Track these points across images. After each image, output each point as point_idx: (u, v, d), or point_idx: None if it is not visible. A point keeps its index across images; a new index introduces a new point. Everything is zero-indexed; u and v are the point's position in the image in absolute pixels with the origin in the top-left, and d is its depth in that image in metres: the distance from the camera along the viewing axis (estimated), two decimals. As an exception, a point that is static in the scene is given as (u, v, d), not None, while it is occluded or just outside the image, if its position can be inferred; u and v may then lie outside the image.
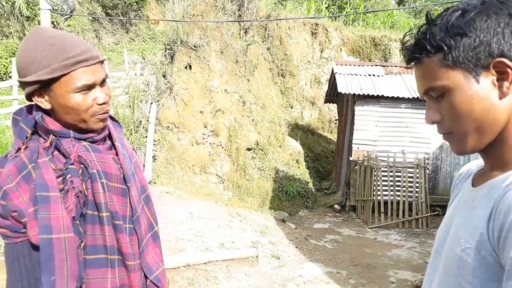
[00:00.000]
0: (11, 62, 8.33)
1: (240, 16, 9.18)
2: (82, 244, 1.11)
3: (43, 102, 1.10)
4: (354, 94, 8.54)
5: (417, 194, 8.05)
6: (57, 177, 1.08)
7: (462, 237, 0.81)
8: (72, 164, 1.11)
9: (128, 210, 1.22)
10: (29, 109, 1.16)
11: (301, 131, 11.96)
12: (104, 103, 1.14)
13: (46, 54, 1.05)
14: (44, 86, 1.08)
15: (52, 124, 1.12)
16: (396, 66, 9.75)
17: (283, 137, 9.18)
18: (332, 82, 10.30)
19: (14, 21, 11.75)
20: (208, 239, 5.55)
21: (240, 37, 9.19)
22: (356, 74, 9.11)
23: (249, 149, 7.92)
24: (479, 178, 0.89)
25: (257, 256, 5.38)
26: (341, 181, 9.52)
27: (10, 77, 8.70)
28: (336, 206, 8.82)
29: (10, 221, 1.04)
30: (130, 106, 7.42)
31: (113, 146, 1.26)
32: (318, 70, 14.12)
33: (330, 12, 18.69)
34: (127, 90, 7.63)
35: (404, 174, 8.21)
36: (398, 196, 8.11)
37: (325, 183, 10.67)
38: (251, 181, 7.54)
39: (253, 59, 9.47)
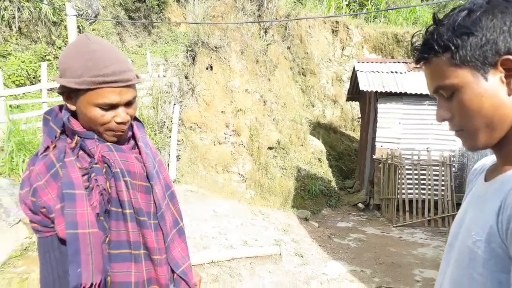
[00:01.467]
0: (40, 67, 8.64)
1: (259, 16, 9.22)
2: (107, 239, 1.15)
3: (70, 103, 1.17)
4: (376, 91, 8.44)
5: (442, 192, 7.89)
6: (83, 176, 1.13)
7: (473, 230, 0.83)
8: (96, 163, 1.15)
9: (152, 207, 1.26)
10: (60, 109, 1.23)
11: (323, 130, 11.90)
12: (122, 123, 1.17)
13: (81, 65, 1.11)
14: (72, 91, 1.14)
15: (77, 126, 1.18)
16: (419, 62, 9.56)
17: (304, 136, 9.16)
18: (354, 79, 10.21)
19: (41, 27, 12.15)
20: (231, 237, 5.61)
21: (260, 37, 9.23)
22: (378, 71, 9.00)
23: (270, 148, 7.94)
24: (491, 173, 0.91)
25: (280, 254, 5.40)
26: (364, 179, 9.42)
27: (39, 80, 9.03)
28: (360, 205, 8.74)
29: (40, 217, 1.10)
30: (154, 107, 7.57)
31: (136, 145, 1.30)
32: (339, 68, 14.01)
33: (350, 10, 18.50)
34: (151, 91, 7.79)
35: (429, 172, 8.06)
36: (423, 194, 7.97)
37: (349, 181, 10.58)
38: (273, 179, 7.56)
39: (273, 59, 9.49)
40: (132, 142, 1.30)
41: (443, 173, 8.00)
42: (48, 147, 1.16)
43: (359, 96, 10.71)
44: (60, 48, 12.18)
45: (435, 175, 8.05)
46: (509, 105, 0.80)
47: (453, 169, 8.15)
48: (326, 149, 10.25)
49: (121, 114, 1.16)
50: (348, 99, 11.72)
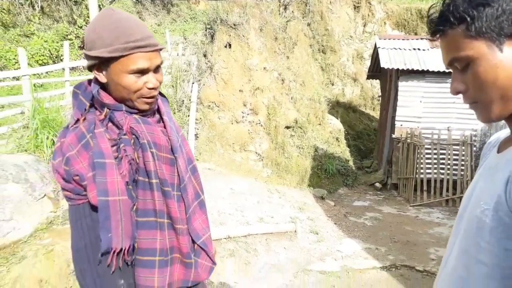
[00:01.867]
0: (62, 46, 8.79)
1: (279, -8, 9.07)
2: (134, 207, 1.22)
3: (101, 76, 1.21)
4: (398, 69, 8.27)
5: (462, 172, 7.79)
6: (112, 146, 1.18)
7: (482, 199, 0.85)
8: (124, 134, 1.21)
9: (175, 178, 1.31)
10: (89, 83, 1.27)
11: (342, 109, 11.79)
12: (153, 88, 1.21)
13: (110, 34, 1.15)
14: (103, 62, 1.18)
15: (106, 98, 1.22)
16: (443, 39, 9.28)
17: (322, 115, 9.11)
18: (375, 57, 10.01)
19: (63, 6, 12.31)
20: (248, 214, 5.73)
21: (279, 14, 9.11)
22: (400, 49, 8.79)
23: (288, 127, 7.95)
24: (504, 145, 0.92)
25: (295, 231, 5.49)
26: (383, 159, 9.36)
27: (61, 60, 9.20)
28: (377, 184, 8.72)
29: (73, 185, 1.16)
30: (173, 86, 7.65)
31: (161, 119, 1.35)
32: (360, 45, 13.72)
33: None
34: (170, 70, 7.85)
35: (449, 152, 7.94)
36: (442, 174, 7.88)
37: (366, 161, 10.53)
38: (290, 159, 7.61)
39: (293, 36, 9.36)
40: (157, 116, 1.35)
41: (463, 152, 7.87)
42: (78, 120, 1.21)
43: (380, 74, 10.51)
44: (81, 27, 12.34)
45: (455, 154, 7.93)
46: None
47: (474, 148, 8.00)
48: (344, 128, 10.18)
49: (152, 80, 1.20)
50: (368, 77, 11.53)
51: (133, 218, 1.21)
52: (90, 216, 1.17)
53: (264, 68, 7.90)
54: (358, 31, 13.91)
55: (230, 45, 7.93)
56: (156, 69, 1.23)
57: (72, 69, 7.39)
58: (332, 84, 12.45)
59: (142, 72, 1.18)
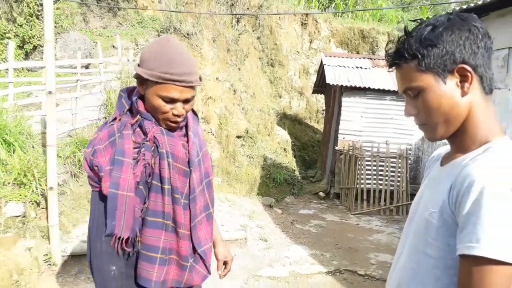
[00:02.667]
0: (1, 44, 8.27)
1: (232, 5, 9.30)
2: (146, 207, 1.37)
3: (141, 88, 1.39)
4: (342, 85, 8.79)
5: (398, 183, 8.42)
6: (134, 148, 1.35)
7: (429, 204, 1.04)
8: (147, 141, 1.37)
9: (186, 188, 1.45)
10: (132, 90, 1.46)
11: (288, 121, 12.21)
12: (177, 115, 1.38)
13: (155, 60, 1.32)
14: (144, 79, 1.35)
15: (141, 107, 1.40)
16: (383, 59, 10.00)
17: (271, 126, 9.42)
18: (321, 73, 10.51)
19: (2, 3, 11.59)
20: (199, 222, 5.77)
21: (232, 26, 9.32)
22: (344, 66, 9.36)
23: (239, 137, 8.13)
24: (446, 159, 1.12)
25: (245, 238, 5.64)
26: (326, 169, 9.83)
27: (3, 60, 8.63)
28: (321, 194, 9.14)
29: (93, 173, 1.35)
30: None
31: (186, 134, 1.50)
32: (307, 61, 14.33)
33: (320, 3, 18.83)
34: (120, 76, 7.72)
35: (387, 164, 8.56)
36: (381, 184, 8.46)
37: (311, 171, 10.98)
38: (240, 167, 7.77)
39: (244, 48, 9.62)
40: (183, 130, 1.50)
41: (399, 165, 8.52)
42: (115, 118, 1.40)
43: (325, 89, 11.06)
44: (21, 25, 11.67)
45: (392, 166, 8.56)
46: (462, 104, 1.00)
47: (409, 161, 8.70)
48: (291, 139, 10.57)
49: (179, 108, 1.37)
50: (314, 92, 12.06)
51: (137, 214, 1.36)
52: (101, 203, 1.36)
53: (217, 78, 8.04)
54: (305, 47, 14.52)
55: (182, 54, 7.95)
56: (186, 101, 1.39)
57: (16, 70, 6.99)
58: (280, 97, 12.86)
59: (172, 100, 1.35)
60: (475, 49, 0.98)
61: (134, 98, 1.40)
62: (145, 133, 1.39)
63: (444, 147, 1.23)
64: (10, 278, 3.79)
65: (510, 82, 4.16)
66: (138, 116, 1.39)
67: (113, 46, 16.78)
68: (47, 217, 4.44)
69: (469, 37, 0.98)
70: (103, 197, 1.34)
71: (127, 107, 1.41)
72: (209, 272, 1.55)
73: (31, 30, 11.91)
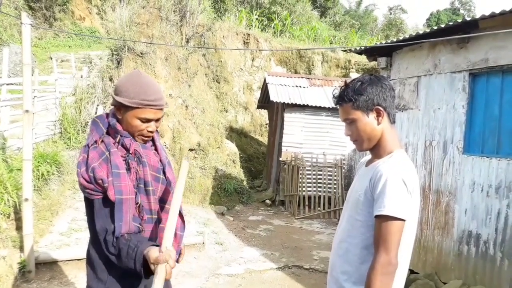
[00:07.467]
0: None
1: (181, 26, 9.86)
2: (140, 205, 1.75)
3: (119, 113, 1.71)
4: (284, 102, 9.68)
5: (335, 190, 9.42)
6: (123, 160, 1.68)
7: (358, 190, 1.73)
8: (130, 153, 1.71)
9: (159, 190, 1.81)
10: (106, 116, 1.76)
11: (235, 134, 12.89)
12: (151, 132, 1.73)
13: (134, 89, 1.65)
14: (124, 106, 1.67)
15: (120, 128, 1.71)
16: (318, 79, 11.14)
17: (221, 139, 10.03)
18: (264, 90, 11.34)
19: None
20: (159, 229, 6.18)
21: (182, 46, 9.86)
22: (285, 85, 10.28)
23: (191, 150, 8.63)
24: (368, 163, 1.83)
25: (203, 243, 6.15)
26: (271, 179, 10.62)
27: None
28: (268, 201, 9.89)
29: (94, 186, 1.60)
30: (76, 108, 7.73)
31: (154, 146, 1.92)
32: (250, 78, 15.17)
33: (260, 23, 19.91)
34: (74, 92, 7.91)
35: (325, 173, 9.54)
36: (320, 191, 9.39)
37: (257, 181, 11.70)
38: (193, 179, 8.27)
39: (193, 66, 10.18)
40: (151, 142, 1.86)
41: (335, 173, 9.54)
42: (96, 141, 1.67)
43: (268, 105, 11.91)
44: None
45: (329, 175, 9.54)
46: (378, 130, 1.64)
47: (343, 170, 9.75)
48: (238, 151, 11.24)
49: (152, 126, 1.73)
50: (258, 107, 12.87)
51: (136, 213, 1.68)
52: (102, 209, 1.64)
53: (170, 95, 8.52)
54: (247, 65, 15.37)
55: (136, 72, 8.31)
56: (157, 120, 1.74)
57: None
58: (226, 111, 13.52)
59: (148, 120, 1.69)
60: (385, 97, 1.68)
61: (112, 122, 1.70)
62: (126, 148, 1.71)
63: (367, 156, 1.95)
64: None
65: (420, 103, 5.20)
66: (119, 136, 1.70)
67: (50, 58, 16.31)
68: (16, 228, 4.66)
69: (382, 89, 1.68)
70: (106, 203, 1.62)
71: (105, 130, 1.71)
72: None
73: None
